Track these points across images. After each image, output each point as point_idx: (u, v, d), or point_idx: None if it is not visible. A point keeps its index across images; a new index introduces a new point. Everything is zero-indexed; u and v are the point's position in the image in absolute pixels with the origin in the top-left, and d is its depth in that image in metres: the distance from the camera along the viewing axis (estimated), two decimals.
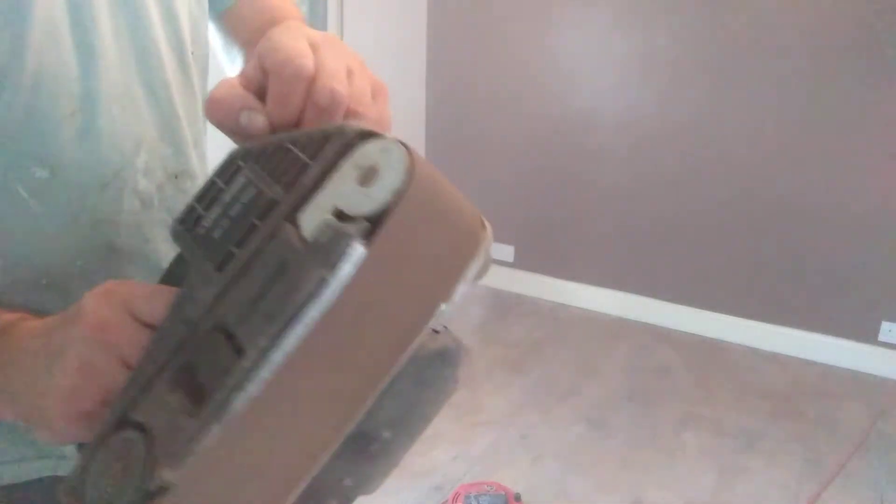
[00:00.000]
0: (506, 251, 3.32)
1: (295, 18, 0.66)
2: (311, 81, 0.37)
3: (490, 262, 0.32)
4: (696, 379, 2.60)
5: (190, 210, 0.37)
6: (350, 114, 0.39)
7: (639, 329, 2.99)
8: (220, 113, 0.38)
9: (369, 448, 0.33)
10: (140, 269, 0.53)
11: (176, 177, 0.55)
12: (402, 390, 0.32)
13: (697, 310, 2.94)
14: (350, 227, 0.28)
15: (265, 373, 0.27)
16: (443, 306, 0.30)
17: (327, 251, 0.28)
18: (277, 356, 0.27)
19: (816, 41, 2.51)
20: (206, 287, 0.32)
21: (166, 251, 0.53)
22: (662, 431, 2.26)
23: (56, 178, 0.47)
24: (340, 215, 0.29)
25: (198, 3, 0.58)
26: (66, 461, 0.53)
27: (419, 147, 3.38)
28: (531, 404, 2.39)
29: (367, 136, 0.31)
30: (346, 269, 0.27)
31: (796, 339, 2.77)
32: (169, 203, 0.54)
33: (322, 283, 0.27)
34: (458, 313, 2.46)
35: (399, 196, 0.29)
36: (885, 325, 2.60)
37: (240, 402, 0.27)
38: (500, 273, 3.34)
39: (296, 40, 0.38)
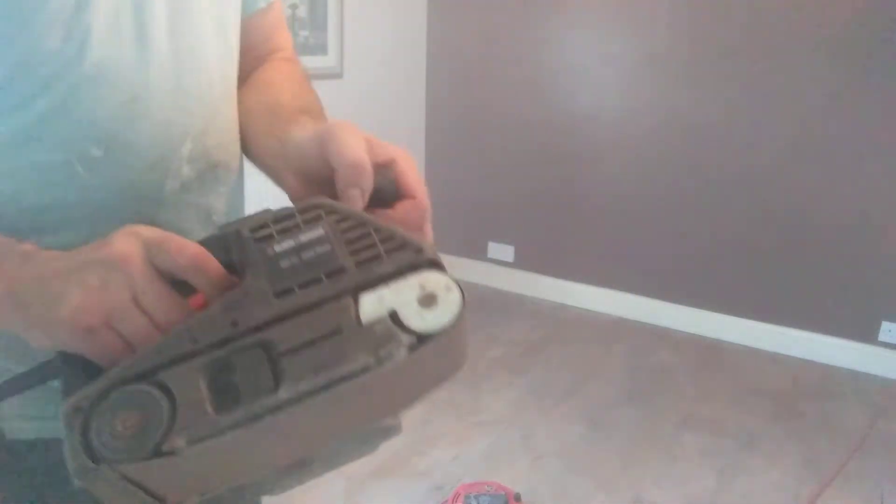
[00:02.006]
0: (506, 251, 3.32)
1: (285, 53, 0.74)
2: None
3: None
4: (696, 379, 2.60)
5: (264, 225, 0.43)
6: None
7: (639, 329, 2.99)
8: (355, 175, 0.45)
9: (302, 469, 0.40)
10: None
11: (216, 167, 0.60)
12: (345, 444, 0.39)
13: (697, 310, 2.94)
14: (403, 336, 0.35)
15: (293, 408, 0.34)
16: (410, 406, 0.38)
17: (379, 343, 0.35)
18: (307, 401, 0.34)
19: (817, 41, 2.51)
20: (262, 306, 0.37)
21: (198, 232, 0.57)
22: (662, 431, 2.26)
23: (108, 156, 0.51)
24: (395, 319, 0.36)
25: (237, 14, 0.63)
26: None
27: (419, 147, 3.38)
28: (531, 404, 2.39)
29: (436, 265, 0.39)
30: (388, 366, 0.34)
31: (796, 339, 2.77)
32: (207, 188, 0.60)
33: (366, 368, 0.34)
34: None
35: (444, 331, 0.36)
36: (885, 325, 2.60)
37: (264, 421, 0.34)
38: (500, 273, 3.34)
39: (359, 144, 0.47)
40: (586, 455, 2.12)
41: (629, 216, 2.99)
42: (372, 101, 2.99)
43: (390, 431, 0.42)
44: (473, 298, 3.23)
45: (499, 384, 2.50)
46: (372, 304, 0.36)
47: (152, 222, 0.53)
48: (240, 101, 0.66)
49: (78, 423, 0.35)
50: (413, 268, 0.38)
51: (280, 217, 0.43)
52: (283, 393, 0.34)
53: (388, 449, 2.18)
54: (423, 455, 2.08)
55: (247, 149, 0.65)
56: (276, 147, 0.55)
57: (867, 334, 2.64)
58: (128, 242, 0.41)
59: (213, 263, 0.42)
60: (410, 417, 2.25)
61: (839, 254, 2.63)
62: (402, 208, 0.48)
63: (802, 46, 2.53)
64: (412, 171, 0.50)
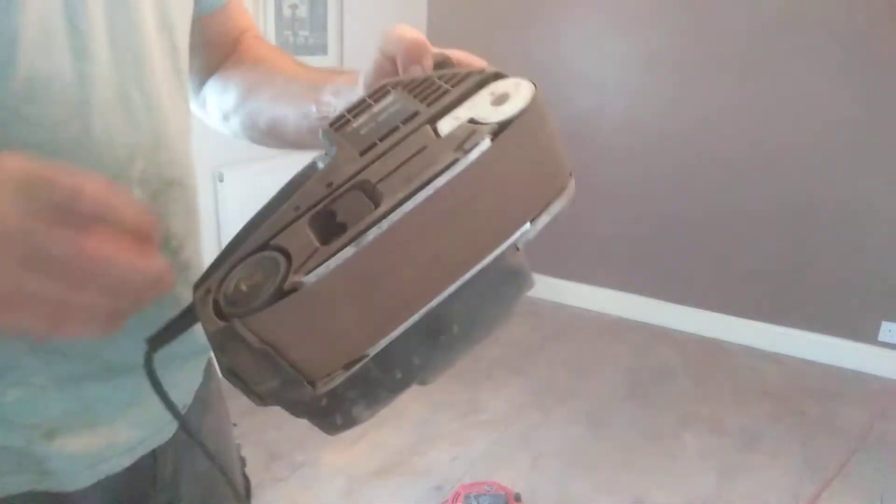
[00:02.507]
0: None
1: (254, 32, 0.72)
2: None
3: (567, 207, 0.38)
4: (696, 379, 2.60)
5: (340, 116, 0.43)
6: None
7: (639, 329, 2.99)
8: (416, 53, 0.45)
9: (439, 337, 0.38)
10: None
11: (171, 185, 0.53)
12: (478, 292, 0.37)
13: (697, 310, 2.94)
14: (484, 128, 0.35)
15: (396, 216, 0.33)
16: (529, 225, 0.37)
17: (462, 140, 0.35)
18: (409, 207, 0.33)
19: (816, 40, 2.51)
20: (350, 164, 0.37)
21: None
22: (662, 431, 2.26)
23: None
24: (473, 121, 0.36)
25: (187, 11, 0.58)
26: (48, 476, 0.50)
27: None
28: (531, 404, 2.39)
29: (502, 75, 0.40)
30: (475, 155, 0.34)
31: (796, 339, 2.77)
32: (162, 211, 0.53)
33: (455, 162, 0.34)
34: None
35: (524, 112, 0.35)
36: (885, 325, 2.60)
37: (372, 235, 0.33)
38: None
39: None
40: (586, 455, 2.12)
41: (630, 216, 2.99)
42: None
43: (521, 275, 0.40)
44: None
45: (499, 384, 2.50)
46: (449, 123, 0.37)
47: None
48: (240, 82, 0.63)
49: (209, 302, 0.35)
50: (481, 84, 0.39)
51: (353, 106, 0.44)
52: (382, 206, 0.34)
53: (388, 448, 2.19)
54: (423, 455, 2.08)
55: (281, 127, 0.61)
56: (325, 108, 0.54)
57: (867, 334, 2.64)
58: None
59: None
60: (410, 417, 2.25)
61: (839, 254, 2.63)
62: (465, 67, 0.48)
63: (803, 46, 2.53)
64: (470, 56, 0.50)
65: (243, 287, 0.34)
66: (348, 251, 0.33)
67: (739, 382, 2.58)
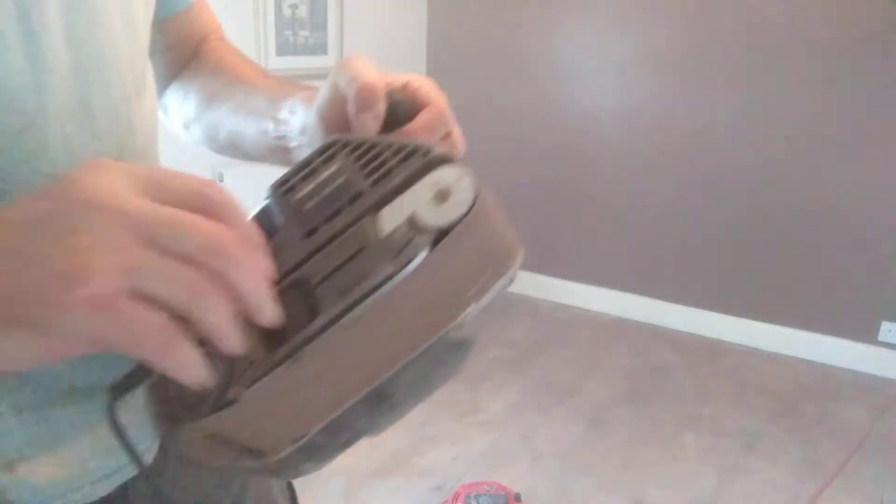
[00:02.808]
0: None
1: (218, 34, 0.70)
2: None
3: (515, 278, 0.39)
4: (696, 379, 2.60)
5: (286, 180, 0.44)
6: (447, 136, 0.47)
7: (639, 329, 2.99)
8: (366, 99, 0.44)
9: (383, 403, 0.39)
10: None
11: None
12: (422, 365, 0.38)
13: (697, 310, 2.94)
14: (420, 238, 0.35)
15: (330, 333, 0.34)
16: (470, 308, 0.37)
17: (399, 251, 0.35)
18: (343, 323, 0.34)
19: (816, 41, 2.51)
20: (292, 251, 0.38)
21: None
22: (662, 431, 2.26)
23: (3, 200, 0.39)
24: (412, 222, 0.36)
25: (148, 14, 0.55)
26: None
27: None
28: (531, 404, 2.39)
29: (447, 160, 0.39)
30: (411, 267, 0.34)
31: (796, 339, 2.77)
32: None
33: (391, 275, 0.34)
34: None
35: (461, 220, 0.36)
36: (885, 325, 2.60)
37: (305, 352, 0.34)
38: None
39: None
40: (586, 455, 2.12)
41: (629, 216, 2.99)
42: None
43: (463, 345, 0.40)
44: None
45: (499, 384, 2.50)
46: (391, 216, 0.37)
47: None
48: (200, 90, 0.61)
49: (156, 391, 0.37)
50: (425, 169, 0.38)
51: (301, 166, 0.44)
52: (318, 321, 0.35)
53: (387, 449, 2.19)
54: (423, 455, 2.08)
55: (240, 141, 0.59)
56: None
57: (867, 334, 2.64)
58: (105, 178, 0.30)
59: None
60: (410, 417, 2.25)
61: (839, 254, 2.63)
62: (419, 119, 0.47)
63: (804, 45, 2.53)
64: (427, 85, 0.48)
65: (189, 391, 0.35)
66: (285, 365, 0.34)
67: (739, 382, 2.58)
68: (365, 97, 0.45)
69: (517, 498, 1.79)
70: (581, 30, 2.92)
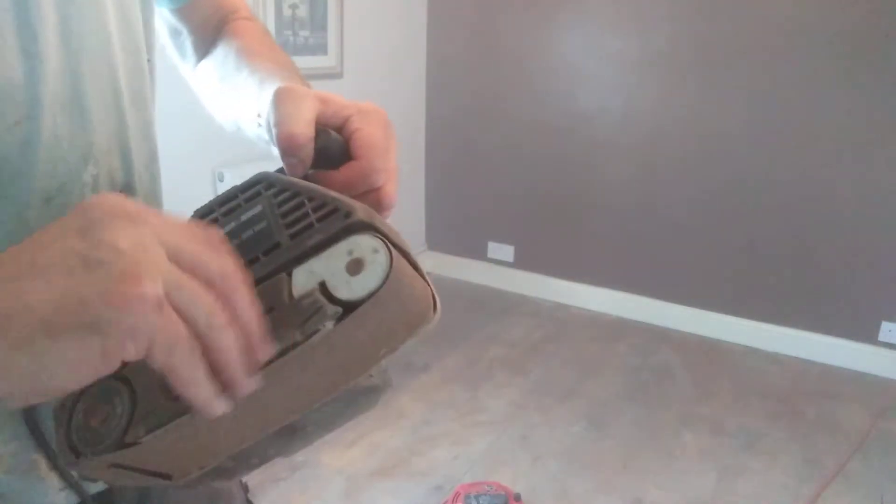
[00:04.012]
0: (506, 251, 3.32)
1: (242, 13, 0.69)
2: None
3: (429, 331, 0.39)
4: (696, 379, 2.60)
5: (210, 210, 0.44)
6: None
7: (639, 329, 2.99)
8: (289, 147, 0.44)
9: (295, 434, 0.40)
10: None
11: (122, 191, 0.50)
12: (332, 407, 0.39)
13: (697, 310, 2.94)
14: (329, 308, 0.35)
15: None
16: (373, 368, 0.38)
17: (306, 318, 0.35)
18: None
19: (814, 40, 2.51)
20: None
21: None
22: (662, 431, 2.26)
23: None
24: (324, 288, 0.36)
25: (149, 7, 0.56)
26: None
27: (419, 147, 3.38)
28: (531, 404, 2.39)
29: (366, 227, 0.38)
30: (315, 339, 0.35)
31: (796, 339, 2.77)
32: None
33: (294, 344, 0.35)
34: (458, 316, 2.43)
35: (371, 296, 0.36)
36: (885, 325, 2.60)
37: None
38: (500, 273, 3.34)
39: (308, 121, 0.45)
40: (586, 455, 2.12)
41: (629, 216, 2.99)
42: (372, 101, 2.98)
43: (374, 391, 0.41)
44: (473, 298, 3.23)
45: (499, 384, 2.50)
46: (304, 277, 0.37)
47: None
48: (214, 73, 0.62)
49: (64, 419, 0.37)
50: (344, 232, 0.38)
51: (225, 199, 0.44)
52: None
53: (387, 449, 2.18)
54: (423, 455, 2.08)
55: (244, 128, 0.60)
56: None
57: (867, 334, 2.64)
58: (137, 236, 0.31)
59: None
60: (410, 417, 2.25)
61: (839, 254, 2.63)
62: (344, 171, 0.46)
63: (805, 45, 2.53)
64: (367, 128, 0.47)
65: (92, 423, 0.36)
66: (187, 416, 0.34)
67: (739, 382, 2.58)
68: (285, 146, 0.45)
69: (517, 498, 1.79)
70: (581, 29, 2.92)
